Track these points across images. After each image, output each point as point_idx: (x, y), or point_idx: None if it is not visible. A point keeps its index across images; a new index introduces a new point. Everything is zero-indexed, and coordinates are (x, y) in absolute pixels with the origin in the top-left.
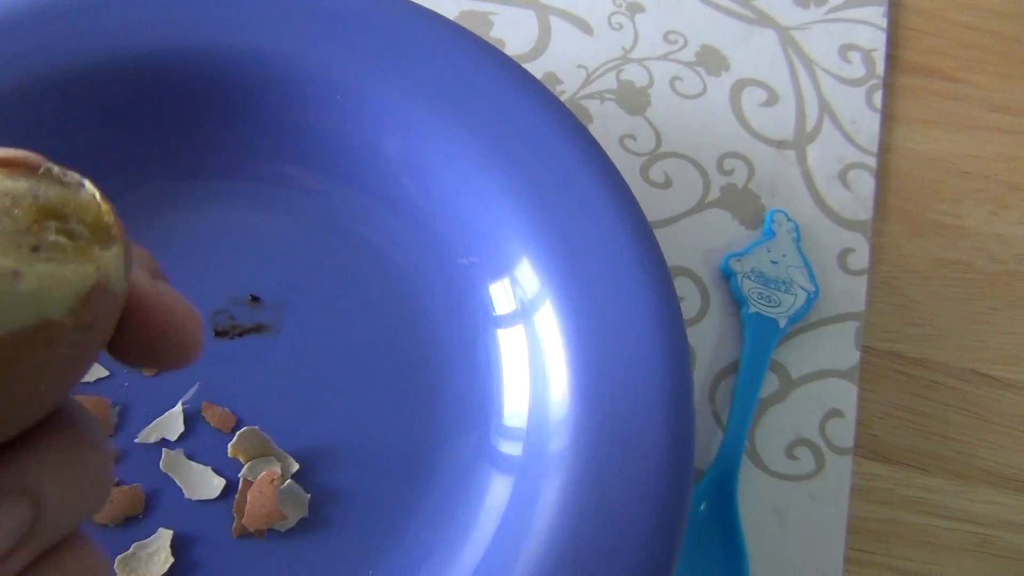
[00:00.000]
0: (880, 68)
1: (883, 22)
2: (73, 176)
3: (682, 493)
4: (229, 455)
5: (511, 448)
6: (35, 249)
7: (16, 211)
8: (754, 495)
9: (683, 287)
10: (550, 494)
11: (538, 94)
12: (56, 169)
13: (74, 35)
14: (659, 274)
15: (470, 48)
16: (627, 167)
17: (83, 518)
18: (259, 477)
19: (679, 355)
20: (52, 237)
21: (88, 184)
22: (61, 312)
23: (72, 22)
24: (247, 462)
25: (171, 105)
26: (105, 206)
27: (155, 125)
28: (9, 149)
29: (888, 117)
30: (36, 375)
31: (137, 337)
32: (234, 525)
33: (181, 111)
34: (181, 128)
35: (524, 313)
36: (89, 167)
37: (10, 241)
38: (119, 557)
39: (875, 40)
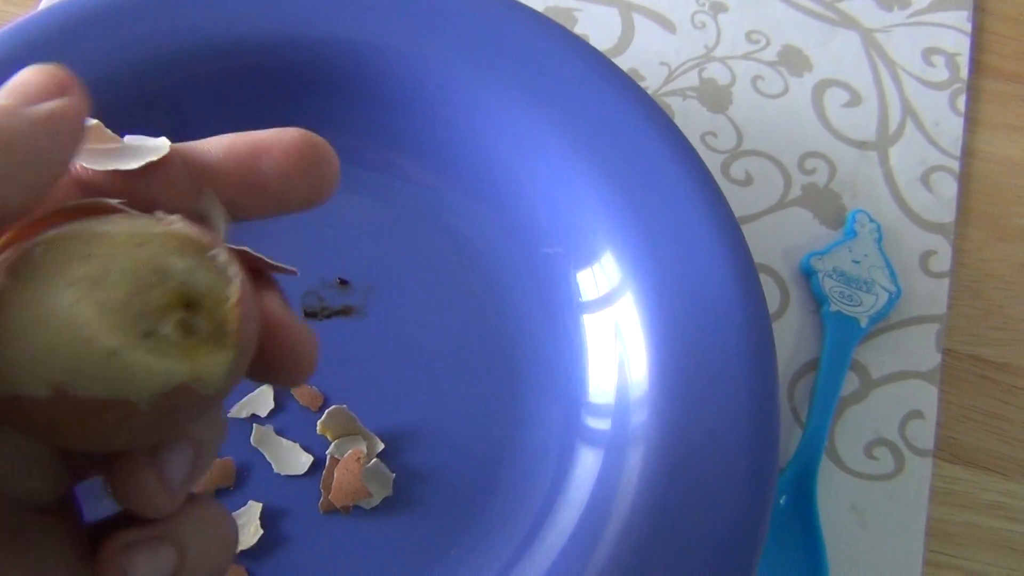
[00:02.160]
0: (964, 72)
1: (967, 26)
2: (233, 270)
3: (767, 478)
4: (317, 432)
5: (600, 423)
6: (145, 335)
7: (153, 290)
8: (833, 493)
9: (763, 284)
10: (637, 468)
11: (626, 88)
12: (223, 258)
13: (199, 20)
14: (745, 266)
15: (561, 42)
16: (708, 164)
17: (218, 451)
18: (346, 455)
19: (763, 343)
20: (167, 330)
21: (237, 282)
22: (139, 398)
23: (198, 8)
24: (334, 440)
25: (297, 89)
26: (236, 311)
27: (285, 107)
28: (212, 230)
29: (971, 121)
30: (112, 432)
31: (263, 360)
32: (321, 501)
33: (307, 95)
34: (307, 111)
35: (610, 300)
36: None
37: (126, 318)
38: None
39: (959, 44)
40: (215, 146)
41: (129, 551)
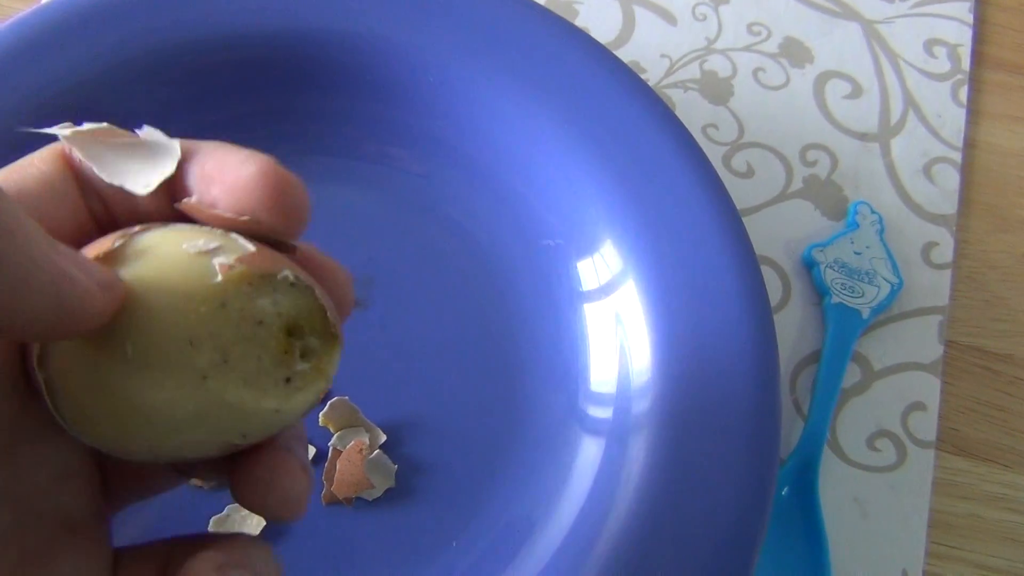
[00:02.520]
0: (966, 63)
1: (969, 18)
2: (303, 278)
3: (768, 469)
4: (320, 424)
5: (601, 412)
6: (288, 380)
7: (264, 335)
8: (835, 484)
9: (764, 276)
10: (639, 458)
11: (628, 80)
12: (291, 275)
13: (196, 14)
14: (746, 257)
15: (560, 33)
16: (710, 156)
17: None
18: (348, 447)
19: (764, 333)
20: (299, 366)
21: (317, 287)
22: (298, 418)
23: (195, 2)
24: (336, 431)
25: (295, 81)
26: (330, 309)
27: (282, 102)
28: (256, 247)
29: (973, 112)
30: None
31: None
32: (324, 492)
33: (305, 87)
34: (305, 105)
35: (610, 290)
36: (222, 133)
37: (268, 378)
38: (213, 518)
39: (961, 35)
40: (201, 161)
41: (224, 570)
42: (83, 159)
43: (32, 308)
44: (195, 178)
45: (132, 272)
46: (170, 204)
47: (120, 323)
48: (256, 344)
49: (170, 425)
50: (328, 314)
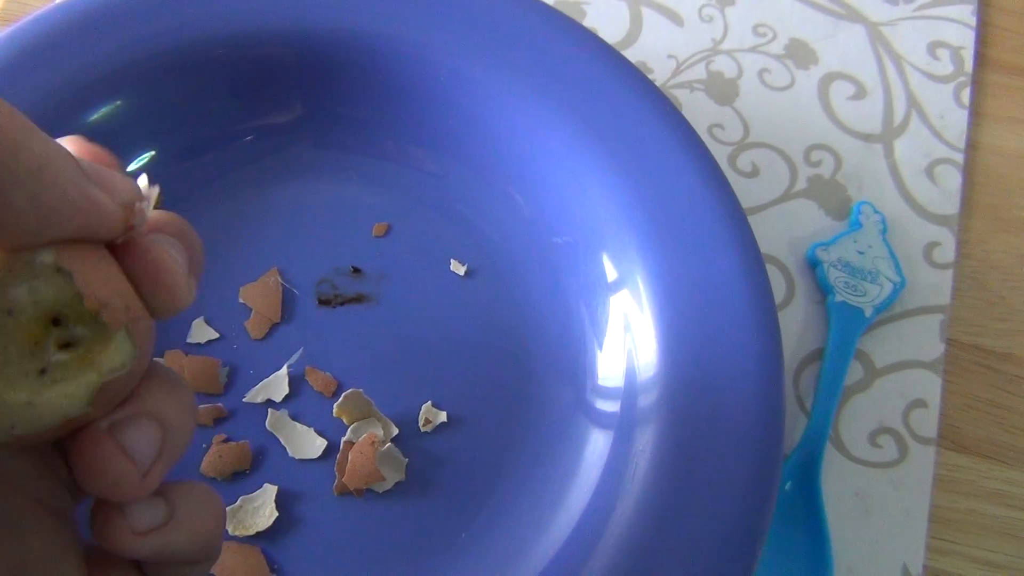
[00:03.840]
0: (969, 65)
1: (972, 20)
2: (68, 263)
3: (772, 464)
4: (334, 415)
5: (609, 405)
6: (42, 372)
7: (12, 325)
8: (837, 480)
9: (769, 274)
10: (645, 451)
11: (635, 80)
12: (50, 260)
13: (214, 13)
14: (751, 256)
15: (571, 35)
16: (716, 155)
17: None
18: (360, 439)
19: (769, 330)
20: (55, 357)
21: (79, 272)
22: (79, 410)
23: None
24: (351, 423)
25: (311, 79)
26: (92, 294)
27: (306, 97)
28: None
29: (976, 114)
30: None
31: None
32: (335, 484)
33: (321, 85)
34: (328, 102)
35: (618, 288)
36: (253, 127)
37: (17, 371)
38: (227, 509)
39: (964, 38)
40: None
41: (119, 425)
42: None
43: (61, 230)
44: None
45: None
46: None
47: None
48: (3, 334)
49: None
50: (92, 301)
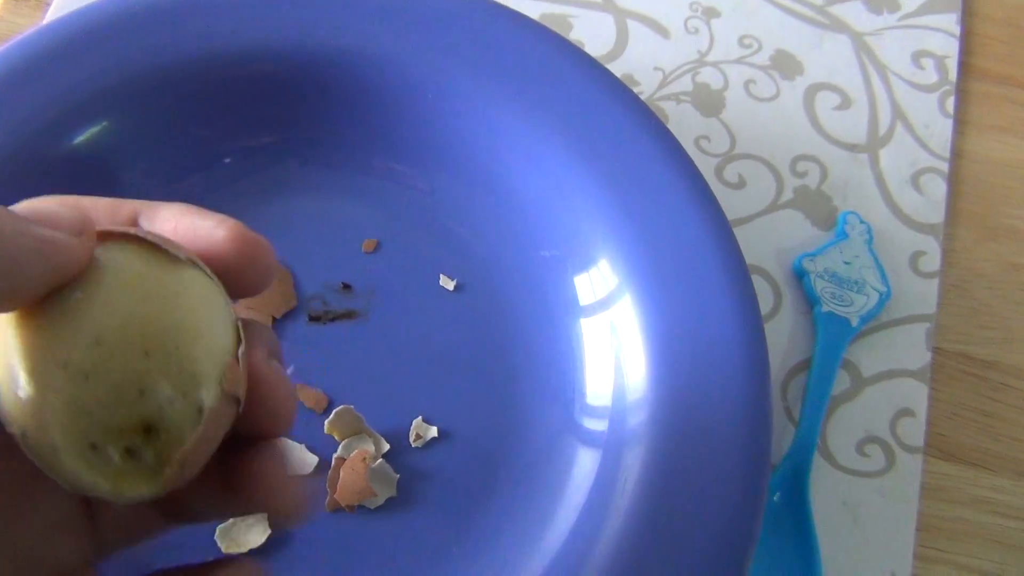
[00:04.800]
0: (953, 75)
1: (956, 29)
2: (208, 411)
3: (760, 475)
4: (325, 431)
5: (596, 424)
6: (91, 447)
7: (121, 408)
8: (826, 490)
9: (756, 285)
10: (634, 466)
11: (621, 94)
12: (208, 401)
13: (202, 32)
14: (737, 267)
15: (556, 49)
16: (702, 167)
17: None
18: (352, 455)
19: (756, 341)
20: (111, 452)
21: (202, 427)
22: (64, 485)
23: (201, 20)
24: (342, 440)
25: (299, 97)
26: (183, 454)
27: (291, 115)
28: None
29: (961, 123)
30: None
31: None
32: (327, 500)
33: (309, 103)
34: (313, 120)
35: (606, 303)
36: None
37: (83, 424)
38: (219, 527)
39: (948, 47)
40: (164, 219)
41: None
42: None
43: (27, 274)
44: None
45: None
46: None
47: None
48: (114, 396)
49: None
50: (181, 463)
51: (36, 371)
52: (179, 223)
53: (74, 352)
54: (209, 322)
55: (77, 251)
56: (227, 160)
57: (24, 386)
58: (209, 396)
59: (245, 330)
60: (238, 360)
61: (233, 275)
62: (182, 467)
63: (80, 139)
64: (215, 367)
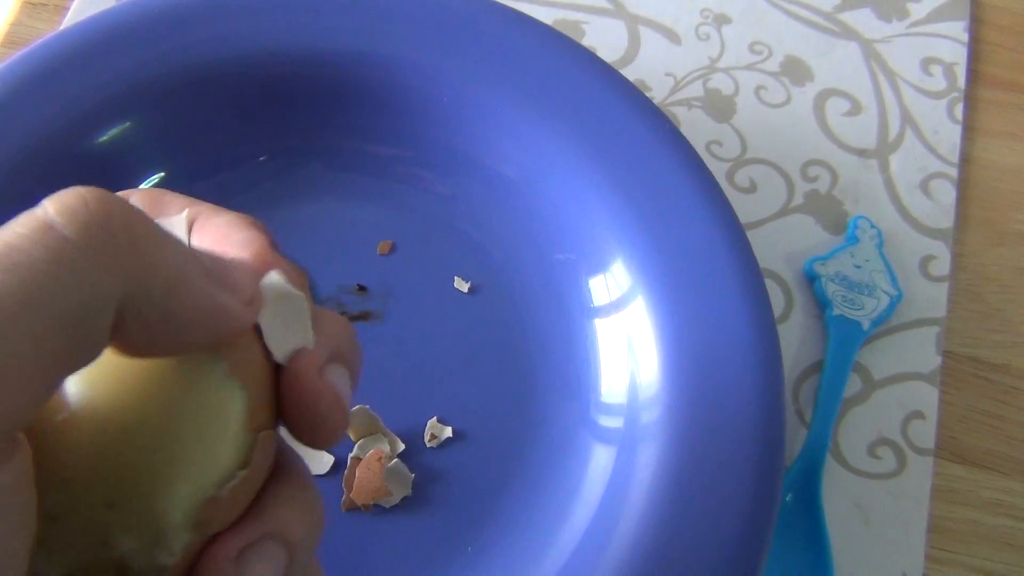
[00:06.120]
0: (961, 81)
1: (964, 37)
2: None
3: (773, 476)
4: None
5: (612, 421)
6: None
7: (87, 553)
8: (837, 491)
9: (768, 289)
10: (649, 466)
11: (634, 99)
12: (170, 556)
13: (231, 33)
14: (750, 271)
15: (571, 55)
16: (714, 171)
17: (312, 553)
18: (367, 455)
19: (768, 343)
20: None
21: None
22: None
23: (231, 21)
24: (357, 440)
25: (322, 101)
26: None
27: (312, 119)
28: None
29: (969, 129)
30: None
31: (289, 419)
32: (343, 499)
33: (330, 107)
34: (334, 124)
35: (620, 304)
36: (264, 148)
37: (56, 564)
38: None
39: (956, 54)
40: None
41: (244, 555)
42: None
43: (190, 341)
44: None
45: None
46: None
47: None
48: (79, 547)
49: None
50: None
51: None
52: (222, 237)
53: (46, 492)
54: (197, 452)
55: (241, 321)
56: (249, 163)
57: None
58: (176, 547)
59: (315, 325)
60: (229, 490)
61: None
62: None
63: (105, 138)
64: (191, 510)
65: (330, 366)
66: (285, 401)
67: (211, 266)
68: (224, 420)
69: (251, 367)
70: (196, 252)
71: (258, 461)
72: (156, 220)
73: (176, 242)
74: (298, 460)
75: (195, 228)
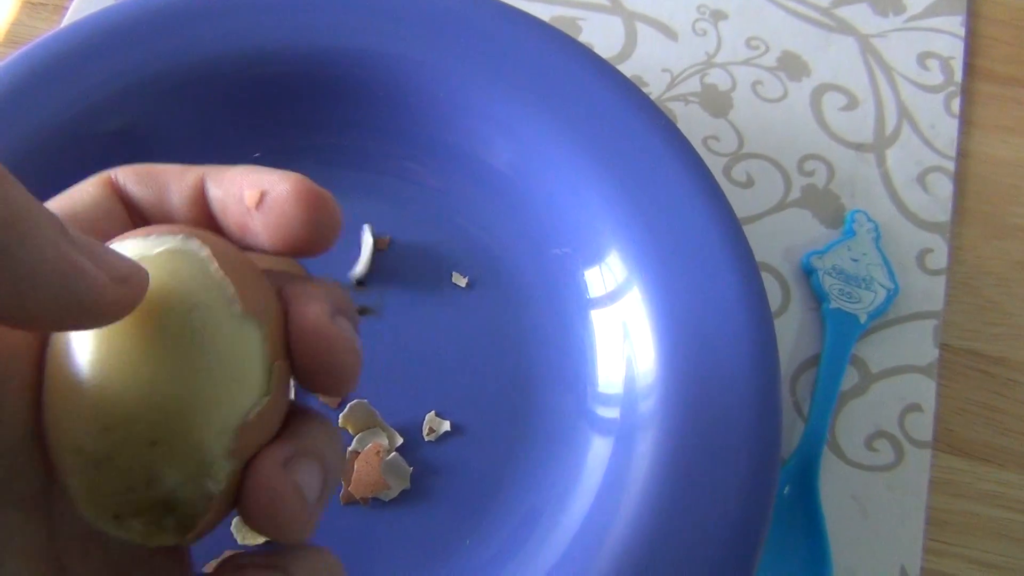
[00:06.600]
0: (958, 75)
1: (961, 31)
2: (217, 486)
3: (770, 468)
4: (340, 425)
5: (609, 412)
6: (115, 517)
7: (135, 493)
8: (835, 484)
9: (765, 283)
10: (646, 457)
11: (631, 94)
12: (217, 481)
13: (229, 31)
14: (747, 265)
15: (568, 51)
16: (711, 167)
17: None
18: (365, 448)
19: (765, 337)
20: (133, 523)
21: (216, 501)
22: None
23: (227, 20)
24: (356, 433)
25: (317, 96)
26: (202, 523)
27: (307, 116)
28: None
29: (966, 123)
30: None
31: (303, 367)
32: (341, 493)
33: (326, 102)
34: (329, 120)
35: (616, 295)
36: (257, 145)
37: (104, 504)
38: (235, 519)
39: (953, 48)
40: (231, 181)
41: (289, 463)
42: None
43: (37, 300)
44: (232, 198)
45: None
46: (205, 217)
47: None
48: (126, 484)
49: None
50: (201, 530)
51: (56, 453)
52: (245, 180)
53: (86, 440)
54: (225, 384)
55: (106, 295)
56: (243, 161)
57: (55, 461)
58: (221, 475)
59: (305, 286)
60: (257, 415)
61: (297, 232)
62: (205, 525)
63: (96, 137)
64: (228, 438)
65: (337, 317)
66: (300, 347)
67: (77, 237)
68: (245, 353)
69: (261, 305)
70: (57, 217)
71: (278, 387)
72: (168, 237)
73: (27, 194)
74: (321, 413)
75: (209, 182)
